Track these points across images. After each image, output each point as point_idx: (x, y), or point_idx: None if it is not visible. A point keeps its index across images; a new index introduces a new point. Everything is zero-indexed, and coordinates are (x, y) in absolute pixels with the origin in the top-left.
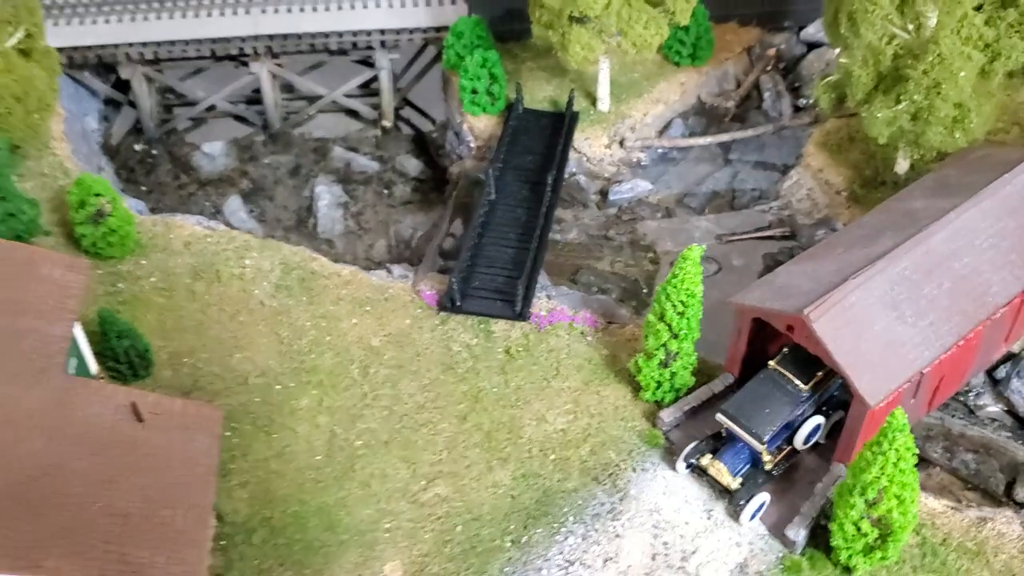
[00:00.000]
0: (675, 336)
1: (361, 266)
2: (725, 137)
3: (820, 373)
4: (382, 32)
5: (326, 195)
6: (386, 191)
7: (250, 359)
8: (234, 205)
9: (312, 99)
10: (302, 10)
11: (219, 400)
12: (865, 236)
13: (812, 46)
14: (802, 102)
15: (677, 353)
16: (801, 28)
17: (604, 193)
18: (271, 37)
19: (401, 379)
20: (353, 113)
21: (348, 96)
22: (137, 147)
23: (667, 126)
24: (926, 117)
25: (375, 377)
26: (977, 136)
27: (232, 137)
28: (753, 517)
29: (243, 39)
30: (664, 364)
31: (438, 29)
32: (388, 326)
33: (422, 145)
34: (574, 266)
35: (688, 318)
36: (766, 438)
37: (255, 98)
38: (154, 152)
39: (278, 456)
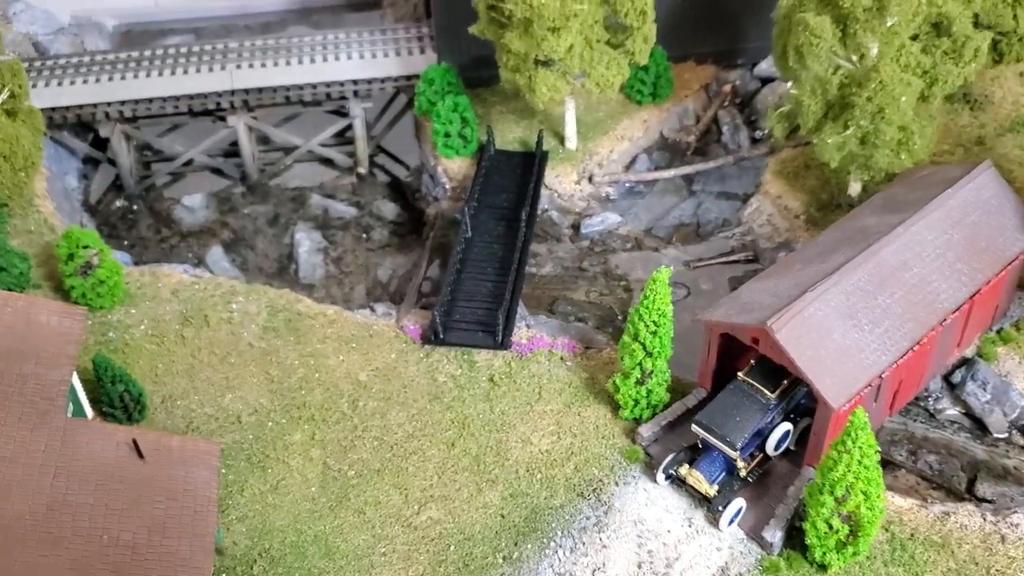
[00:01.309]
0: (649, 354)
1: (344, 307)
2: (688, 169)
3: (786, 382)
4: (355, 83)
5: (306, 241)
6: (364, 235)
7: (242, 399)
8: (216, 255)
9: (288, 150)
10: (276, 64)
11: (215, 438)
12: (820, 253)
13: (765, 81)
14: (758, 134)
15: (652, 371)
16: (754, 65)
17: (576, 227)
18: (247, 91)
19: (389, 410)
20: (328, 162)
21: (323, 145)
22: (118, 203)
23: (632, 161)
24: (873, 141)
25: (364, 410)
26: (922, 157)
27: (211, 190)
28: (731, 522)
29: (220, 94)
30: (640, 382)
31: (408, 78)
32: (374, 361)
33: (398, 190)
34: (551, 297)
35: (660, 336)
36: (739, 445)
37: (232, 151)
38: (135, 208)
39: (274, 490)
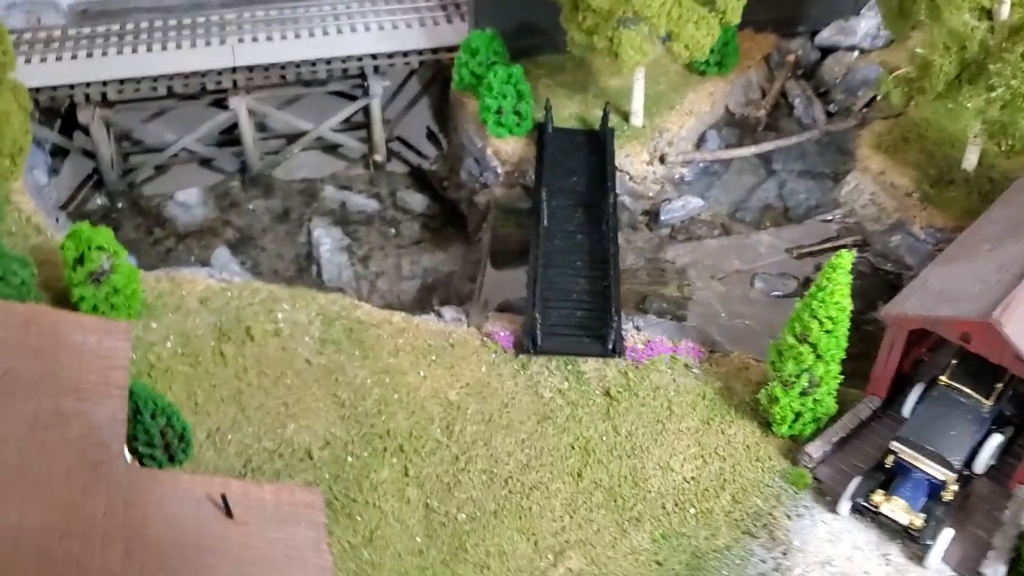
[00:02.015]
0: (820, 358)
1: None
2: (769, 146)
3: (1000, 384)
4: (374, 57)
5: (326, 239)
6: (392, 231)
7: (308, 428)
8: (222, 257)
9: (292, 137)
10: (283, 37)
11: (283, 481)
12: (1006, 231)
13: (826, 51)
14: (832, 107)
15: (822, 378)
16: (814, 33)
17: (650, 213)
18: (251, 69)
19: (493, 435)
20: (335, 149)
21: (334, 130)
22: (98, 201)
23: (701, 138)
24: (1020, 104)
25: (462, 436)
26: None
27: (205, 184)
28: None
29: (220, 72)
30: (806, 392)
31: (435, 50)
32: (462, 376)
33: (422, 179)
34: (638, 293)
35: (837, 336)
36: (957, 465)
37: (227, 139)
38: (118, 206)
39: (368, 542)
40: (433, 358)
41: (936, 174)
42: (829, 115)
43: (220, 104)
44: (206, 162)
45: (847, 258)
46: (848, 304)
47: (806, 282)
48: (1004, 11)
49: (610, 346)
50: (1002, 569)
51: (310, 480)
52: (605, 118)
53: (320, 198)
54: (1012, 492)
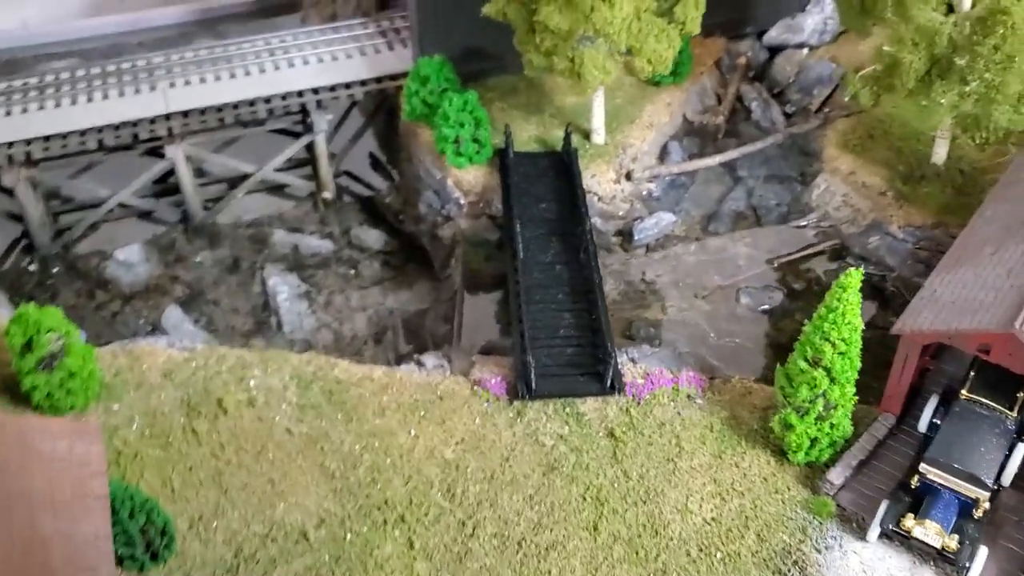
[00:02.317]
0: (834, 381)
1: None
2: (734, 154)
3: (1022, 394)
4: (315, 91)
5: (282, 287)
6: (351, 271)
7: (299, 506)
8: (174, 317)
9: (234, 181)
10: (218, 78)
11: (279, 568)
12: (1007, 232)
13: (773, 50)
14: (789, 108)
15: (838, 403)
16: (762, 33)
17: (623, 233)
18: (186, 114)
19: (499, 494)
20: (280, 190)
21: (277, 171)
22: (30, 267)
23: (664, 151)
24: (993, 96)
25: (466, 498)
26: None
27: (145, 238)
28: None
29: (153, 120)
30: (822, 417)
31: (379, 80)
32: (456, 431)
33: (375, 213)
34: (622, 320)
35: (851, 357)
36: (990, 482)
37: (164, 189)
38: (54, 270)
39: None
40: (422, 414)
41: (906, 170)
42: (787, 116)
43: (154, 152)
44: (144, 215)
45: (856, 277)
46: (860, 323)
47: (791, 293)
48: (966, 3)
49: (608, 383)
50: None
51: (310, 564)
52: (567, 139)
53: (270, 243)
54: None
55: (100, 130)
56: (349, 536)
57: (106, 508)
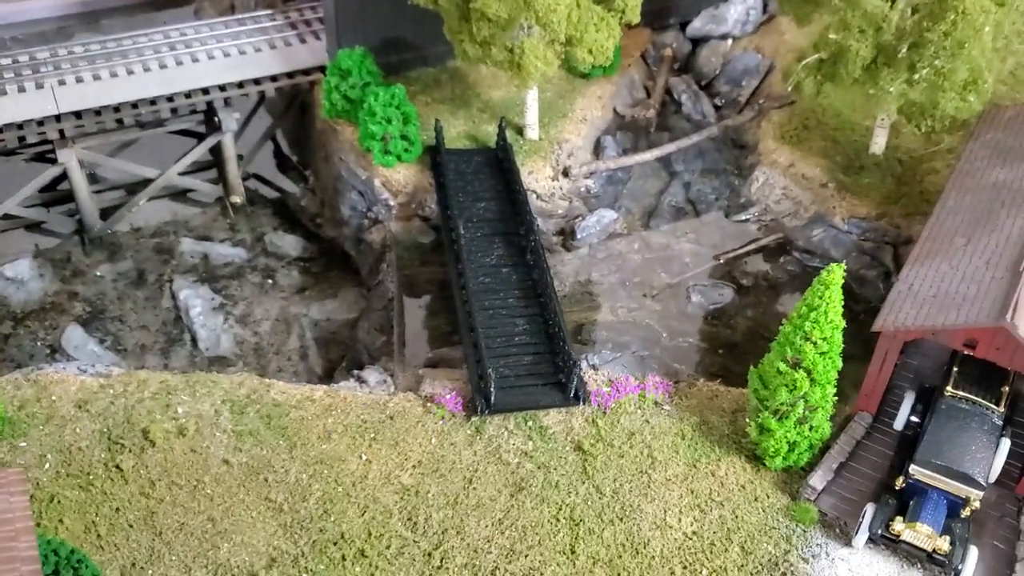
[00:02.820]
0: (815, 382)
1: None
2: (671, 147)
3: (1006, 388)
4: (222, 88)
5: (195, 301)
6: (268, 281)
7: (246, 545)
8: (75, 338)
9: (132, 187)
10: (114, 75)
11: None
12: (976, 221)
13: (696, 41)
14: (719, 100)
15: (817, 403)
16: (685, 24)
17: (564, 232)
18: (79, 115)
19: (465, 520)
20: (184, 195)
21: (181, 174)
22: None
23: (598, 146)
24: (941, 84)
25: (429, 526)
26: (987, 98)
27: (34, 251)
28: None
29: (41, 122)
30: (803, 420)
31: (290, 75)
32: (411, 453)
33: (290, 217)
34: (572, 323)
35: (832, 356)
36: (983, 480)
37: (55, 197)
38: None
39: None
40: (372, 436)
41: (845, 161)
42: (717, 108)
43: (42, 157)
44: (32, 226)
45: (838, 272)
46: (841, 322)
47: (740, 289)
48: None
49: (572, 393)
50: None
51: None
52: (501, 134)
53: (177, 253)
54: (1022, 496)
55: None
56: None
57: (34, 565)
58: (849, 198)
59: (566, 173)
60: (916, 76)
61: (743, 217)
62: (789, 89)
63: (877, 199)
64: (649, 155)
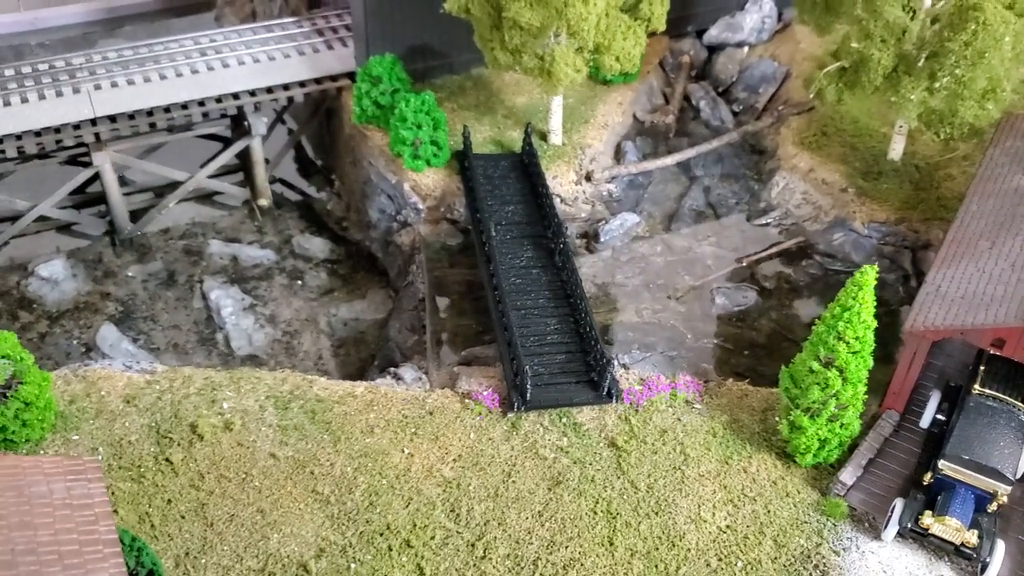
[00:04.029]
0: (846, 381)
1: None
2: (691, 152)
3: None
4: (252, 93)
5: (226, 301)
6: (297, 282)
7: (295, 536)
8: (110, 337)
9: (161, 189)
10: (147, 80)
11: None
12: (999, 225)
13: (713, 48)
14: (737, 106)
15: (848, 401)
16: (701, 32)
17: (588, 235)
18: (113, 119)
19: (506, 512)
20: (211, 198)
21: (210, 177)
22: None
23: (618, 151)
24: (960, 92)
25: (472, 518)
26: (1005, 105)
27: (68, 252)
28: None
29: (78, 126)
30: (834, 418)
31: (319, 80)
32: (452, 447)
33: (317, 221)
34: (598, 323)
35: (864, 356)
36: (1012, 476)
37: (86, 199)
38: None
39: None
40: (414, 431)
41: (863, 167)
42: (735, 114)
43: (75, 160)
44: (64, 227)
45: (871, 273)
46: (873, 322)
47: (763, 291)
48: (926, 2)
49: (605, 391)
50: None
51: None
52: (527, 139)
53: (207, 255)
54: None
55: (19, 137)
56: (353, 566)
57: (119, 554)
58: (868, 203)
59: (589, 178)
60: (936, 85)
61: (764, 221)
62: (811, 96)
63: (896, 204)
64: (669, 160)
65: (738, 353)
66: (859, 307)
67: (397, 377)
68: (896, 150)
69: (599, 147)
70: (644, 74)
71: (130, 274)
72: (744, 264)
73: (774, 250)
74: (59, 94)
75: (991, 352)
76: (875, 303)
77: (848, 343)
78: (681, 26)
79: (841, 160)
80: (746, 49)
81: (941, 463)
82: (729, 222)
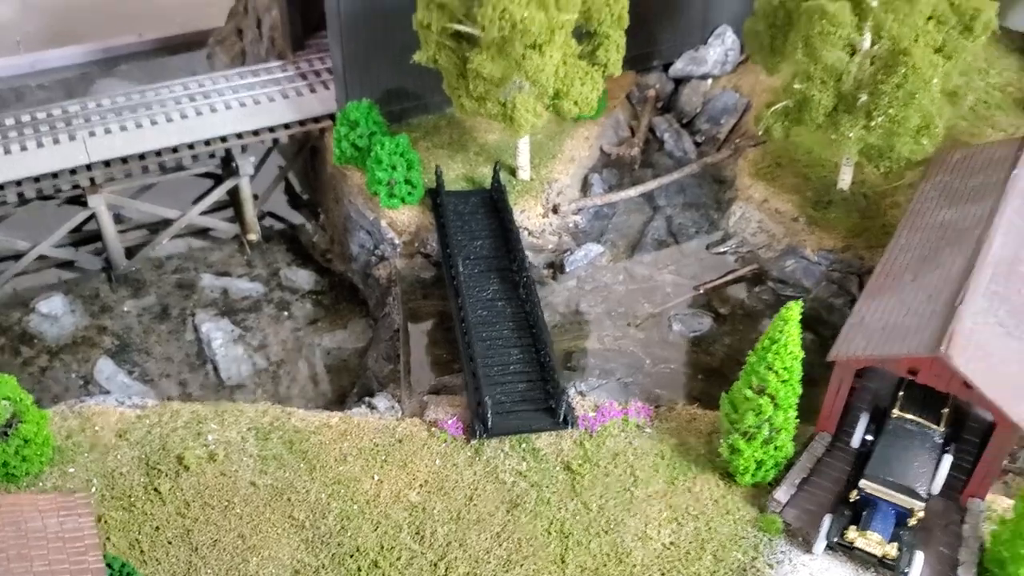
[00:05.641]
0: (778, 407)
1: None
2: (653, 184)
3: (946, 410)
4: (239, 136)
5: (216, 333)
6: (284, 313)
7: (273, 559)
8: (106, 370)
9: (155, 226)
10: (139, 125)
11: None
12: (922, 258)
13: (678, 81)
14: (699, 138)
15: (780, 426)
16: (667, 65)
17: (552, 266)
18: (107, 163)
19: (467, 534)
20: (204, 234)
21: (201, 214)
22: None
23: (585, 183)
24: (896, 130)
25: (435, 539)
26: (938, 141)
27: (66, 289)
28: None
29: (74, 171)
30: (768, 441)
31: (302, 122)
32: (418, 473)
33: (303, 254)
34: (561, 351)
35: (792, 384)
36: (924, 493)
37: (83, 238)
38: None
39: None
40: (383, 458)
41: (815, 196)
42: (697, 145)
43: (73, 200)
44: (62, 265)
45: (796, 309)
46: (800, 353)
47: (719, 317)
48: (865, 43)
49: (561, 418)
50: None
51: None
52: (496, 176)
53: (198, 288)
54: (964, 506)
55: (19, 183)
56: None
57: None
58: (818, 231)
59: (555, 210)
60: (873, 123)
61: (721, 249)
62: (759, 133)
63: (843, 232)
64: (633, 191)
65: (693, 377)
66: (786, 339)
67: (371, 406)
68: (845, 180)
69: (566, 180)
70: (611, 108)
71: (126, 309)
72: (701, 291)
73: (730, 277)
74: (56, 141)
75: (909, 379)
76: (820, 326)
77: (777, 372)
78: (647, 61)
79: (794, 190)
80: (710, 81)
81: (862, 482)
82: (689, 250)
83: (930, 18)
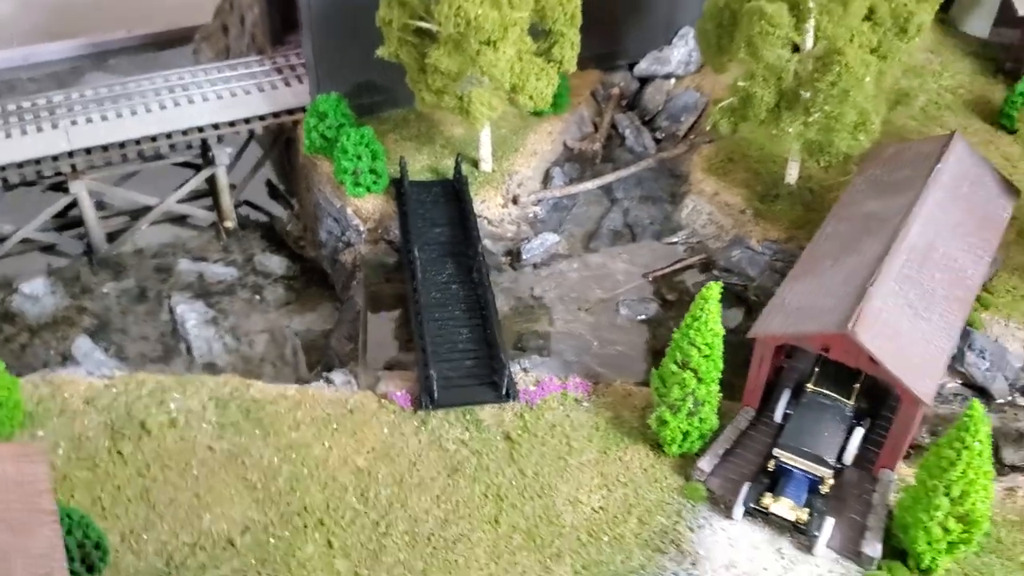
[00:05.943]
0: (701, 381)
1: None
2: (611, 177)
3: (857, 385)
4: (216, 127)
5: (190, 314)
6: (256, 296)
7: (225, 516)
8: (84, 347)
9: (135, 213)
10: (119, 115)
11: (209, 573)
12: (843, 245)
13: (644, 80)
14: (659, 134)
15: (704, 399)
16: (632, 65)
17: (511, 253)
18: (88, 151)
19: (408, 496)
20: (182, 221)
21: (179, 202)
22: None
23: (547, 176)
24: (833, 126)
25: (378, 501)
26: (876, 137)
27: (49, 271)
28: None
29: (56, 158)
30: (692, 413)
31: (276, 115)
32: (367, 441)
33: (276, 240)
34: (513, 332)
35: (714, 359)
36: (833, 461)
37: (67, 223)
38: None
39: None
40: (335, 427)
41: (763, 190)
42: (657, 141)
43: (56, 187)
44: (46, 248)
45: (715, 288)
46: (721, 330)
47: (665, 303)
48: (808, 43)
49: (503, 391)
50: (878, 546)
51: (237, 567)
52: (458, 168)
53: (176, 272)
54: (876, 476)
55: (3, 168)
56: (273, 541)
57: (56, 522)
58: (763, 223)
59: (515, 201)
60: (810, 119)
61: (673, 240)
62: (708, 128)
63: (787, 224)
64: (592, 184)
65: (637, 358)
66: (706, 317)
67: (328, 380)
68: (792, 175)
69: (527, 173)
70: (576, 105)
71: (105, 290)
72: (650, 279)
73: (678, 266)
74: (39, 129)
75: (823, 355)
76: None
77: (699, 348)
78: (612, 60)
79: (744, 184)
80: (673, 81)
81: (775, 450)
82: (643, 241)
83: (866, 19)
